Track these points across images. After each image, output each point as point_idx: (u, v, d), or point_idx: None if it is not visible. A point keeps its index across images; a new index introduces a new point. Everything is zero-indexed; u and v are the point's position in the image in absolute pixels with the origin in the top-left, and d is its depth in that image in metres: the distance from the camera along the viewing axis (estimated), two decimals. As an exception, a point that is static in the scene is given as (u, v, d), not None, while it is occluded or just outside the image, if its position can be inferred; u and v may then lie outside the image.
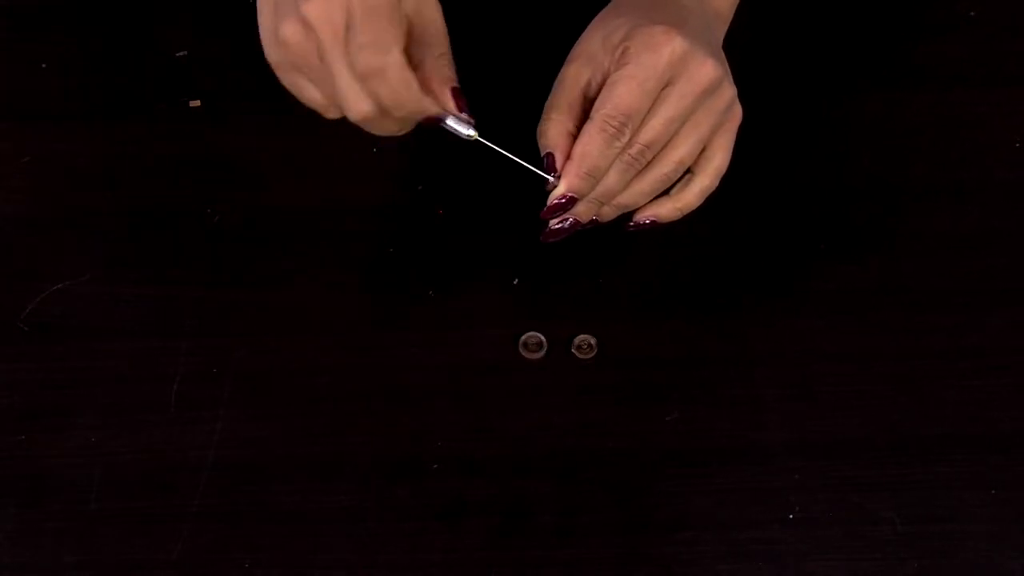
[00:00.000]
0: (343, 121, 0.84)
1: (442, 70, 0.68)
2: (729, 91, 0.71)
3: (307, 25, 0.63)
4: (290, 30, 0.64)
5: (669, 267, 0.79)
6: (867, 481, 0.72)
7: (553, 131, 0.70)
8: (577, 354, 0.76)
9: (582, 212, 0.71)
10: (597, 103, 0.69)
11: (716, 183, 0.73)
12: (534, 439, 0.73)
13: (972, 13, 0.90)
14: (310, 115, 0.83)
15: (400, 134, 0.69)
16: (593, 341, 0.76)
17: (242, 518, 0.71)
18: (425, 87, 0.67)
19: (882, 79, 0.87)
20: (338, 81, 0.65)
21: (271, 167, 0.82)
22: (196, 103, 0.84)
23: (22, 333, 0.76)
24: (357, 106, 0.66)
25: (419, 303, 0.77)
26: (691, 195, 0.73)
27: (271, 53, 0.67)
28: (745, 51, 0.87)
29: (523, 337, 0.76)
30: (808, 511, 0.71)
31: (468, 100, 0.69)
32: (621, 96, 0.68)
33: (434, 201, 0.81)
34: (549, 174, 0.70)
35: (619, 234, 0.77)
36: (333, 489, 0.71)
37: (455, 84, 0.68)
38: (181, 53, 0.86)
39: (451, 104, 0.68)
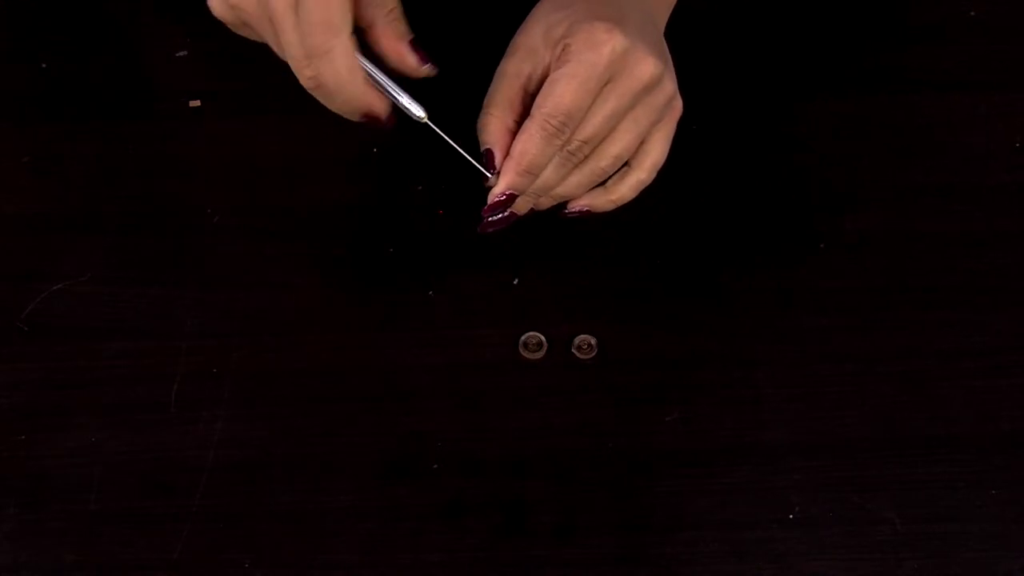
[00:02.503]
0: (345, 122, 0.84)
1: (395, 26, 0.68)
2: (669, 87, 0.71)
3: None
4: None
5: (669, 267, 0.79)
6: (867, 481, 0.72)
7: (492, 127, 0.71)
8: (577, 354, 0.76)
9: (520, 206, 0.73)
10: (538, 100, 0.69)
11: (652, 177, 0.74)
12: (534, 439, 0.73)
13: (972, 13, 0.90)
14: (310, 115, 0.84)
15: (350, 118, 0.70)
16: (593, 341, 0.76)
17: (242, 518, 0.70)
18: (380, 45, 0.68)
19: (883, 80, 0.87)
20: (287, 50, 0.66)
21: (270, 167, 0.82)
22: (196, 103, 0.84)
23: (22, 333, 0.76)
24: (302, 78, 0.67)
25: (419, 303, 0.77)
26: (626, 188, 0.74)
27: (219, 9, 0.67)
28: (746, 52, 0.87)
29: (523, 337, 0.76)
30: (808, 511, 0.71)
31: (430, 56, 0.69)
32: (562, 95, 0.68)
33: (434, 201, 0.81)
34: (489, 170, 0.71)
35: (619, 235, 0.77)
36: (333, 489, 0.71)
37: (411, 37, 0.69)
38: (181, 53, 0.86)
39: (412, 58, 0.69)
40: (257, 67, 0.85)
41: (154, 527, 0.70)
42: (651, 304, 0.78)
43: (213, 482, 0.71)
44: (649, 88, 0.70)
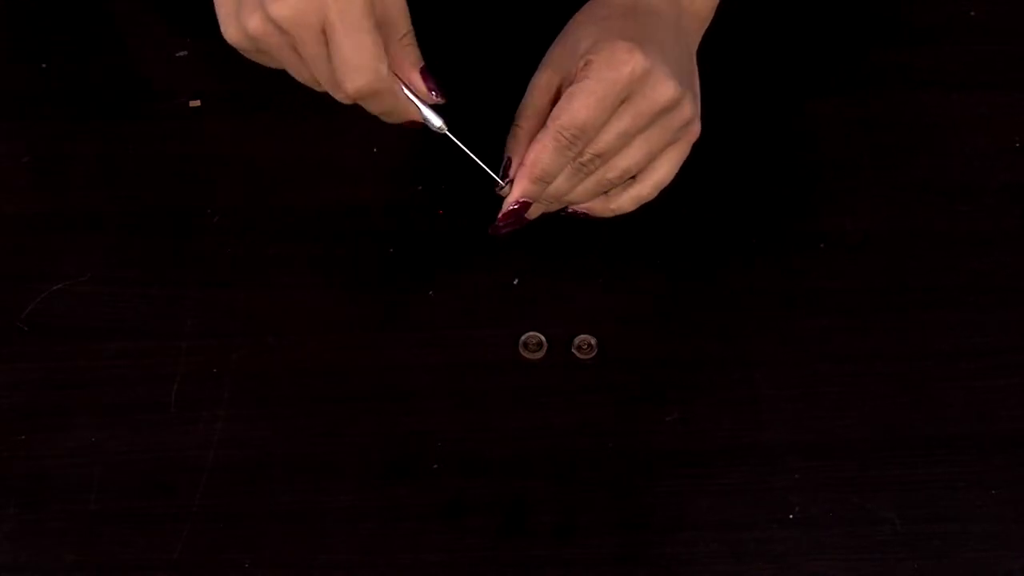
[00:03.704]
0: (345, 122, 0.84)
1: (408, 52, 0.68)
2: (688, 110, 0.71)
3: (277, 25, 0.63)
4: (256, 25, 0.64)
5: (669, 267, 0.79)
6: (867, 481, 0.72)
7: (518, 137, 0.72)
8: (577, 354, 0.76)
9: (532, 211, 0.73)
10: (554, 112, 0.70)
11: (653, 194, 0.74)
12: (534, 439, 0.73)
13: (972, 13, 0.90)
14: (310, 116, 0.84)
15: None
16: (593, 341, 0.76)
17: (242, 518, 0.70)
18: (392, 70, 0.67)
19: (884, 80, 0.87)
20: (320, 78, 0.66)
21: (271, 167, 0.82)
22: (196, 103, 0.84)
23: (22, 333, 0.76)
24: (338, 97, 0.67)
25: (419, 303, 0.77)
26: (626, 199, 0.74)
27: (233, 37, 0.66)
28: (746, 52, 0.87)
29: (523, 337, 0.76)
30: (808, 511, 0.71)
31: (440, 84, 0.69)
32: (577, 110, 0.69)
33: (434, 201, 0.81)
34: (502, 178, 0.72)
35: (619, 235, 0.77)
36: (333, 489, 0.71)
37: (422, 64, 0.69)
38: (181, 53, 0.86)
39: (422, 87, 0.69)
40: (257, 67, 0.85)
41: (154, 527, 0.70)
42: (651, 304, 0.78)
43: (213, 482, 0.71)
44: (666, 110, 0.70)
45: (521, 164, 0.71)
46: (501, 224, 0.73)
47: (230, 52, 0.85)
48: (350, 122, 0.83)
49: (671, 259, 0.79)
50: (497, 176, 0.72)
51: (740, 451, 0.73)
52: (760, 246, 0.80)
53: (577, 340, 0.76)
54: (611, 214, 0.75)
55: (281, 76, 0.85)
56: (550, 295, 0.78)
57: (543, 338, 0.76)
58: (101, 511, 0.70)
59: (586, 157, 0.71)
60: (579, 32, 0.72)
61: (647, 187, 0.74)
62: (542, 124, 0.71)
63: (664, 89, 0.69)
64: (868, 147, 0.84)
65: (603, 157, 0.71)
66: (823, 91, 0.86)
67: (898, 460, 0.73)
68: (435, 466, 0.72)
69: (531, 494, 0.72)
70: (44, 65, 0.85)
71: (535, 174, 0.70)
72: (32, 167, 0.82)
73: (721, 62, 0.85)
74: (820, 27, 0.89)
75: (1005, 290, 0.79)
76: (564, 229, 0.77)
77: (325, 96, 0.84)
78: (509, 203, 0.72)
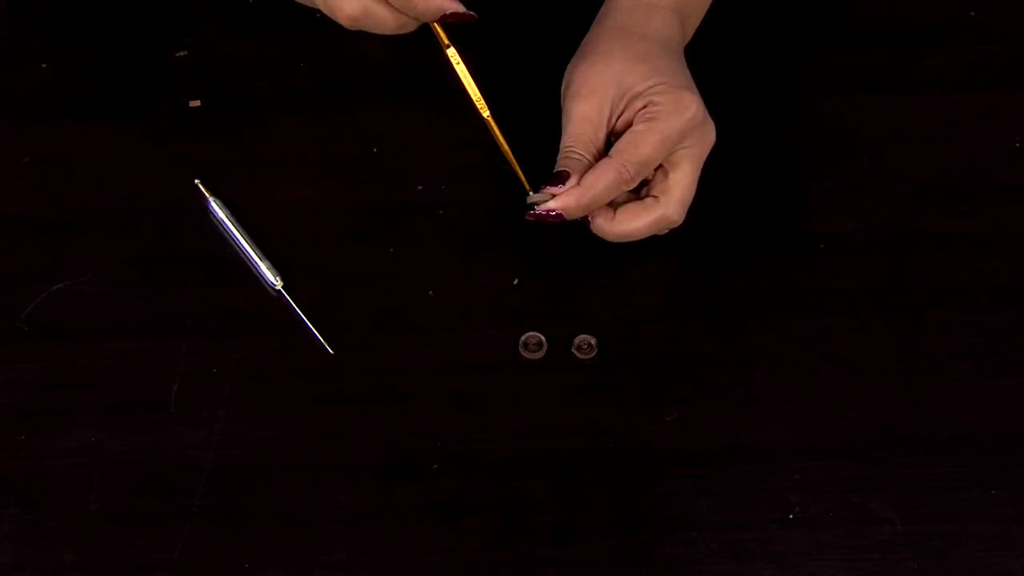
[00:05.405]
0: (345, 122, 0.84)
1: None
2: (712, 142, 0.76)
3: None
4: None
5: (669, 267, 0.79)
6: (867, 481, 0.72)
7: (573, 159, 0.74)
8: (577, 354, 0.76)
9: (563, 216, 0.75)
10: (621, 146, 0.73)
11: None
12: (534, 439, 0.73)
13: (972, 13, 0.89)
14: (310, 116, 0.84)
15: (399, 31, 0.72)
16: (593, 341, 0.76)
17: (242, 518, 0.70)
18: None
19: (883, 80, 0.87)
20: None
21: (271, 167, 0.82)
22: (196, 103, 0.84)
23: (22, 333, 0.76)
24: (342, 16, 0.69)
25: (419, 303, 0.77)
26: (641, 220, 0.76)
27: None
28: (745, 51, 0.87)
29: (523, 337, 0.76)
30: (808, 511, 0.71)
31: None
32: (644, 148, 0.73)
33: (434, 201, 0.81)
34: (533, 187, 0.75)
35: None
36: (333, 489, 0.71)
37: None
38: (181, 53, 0.86)
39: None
40: (257, 67, 0.86)
41: (154, 527, 0.70)
42: (651, 304, 0.78)
43: (213, 482, 0.71)
44: (708, 149, 0.76)
45: (578, 184, 0.73)
46: (530, 216, 0.75)
47: (230, 52, 0.86)
48: (350, 122, 0.84)
49: (671, 259, 0.79)
50: (527, 184, 0.76)
51: (740, 451, 0.73)
52: (760, 246, 0.80)
53: (577, 340, 0.76)
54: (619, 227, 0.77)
55: (280, 76, 0.85)
56: (550, 295, 0.78)
57: (543, 338, 0.76)
58: (101, 511, 0.70)
59: (633, 184, 0.74)
60: (624, 68, 0.74)
61: (669, 204, 0.76)
62: (598, 152, 0.74)
63: (712, 132, 0.76)
64: (868, 147, 0.84)
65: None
66: (823, 91, 0.86)
67: (898, 460, 0.73)
68: (435, 466, 0.72)
69: (531, 494, 0.72)
70: (44, 65, 0.85)
71: (586, 198, 0.73)
72: (32, 167, 0.82)
73: (721, 62, 0.85)
74: (820, 27, 0.89)
75: (1005, 290, 0.79)
76: (564, 229, 0.77)
77: (324, 97, 0.85)
78: (549, 207, 0.74)
